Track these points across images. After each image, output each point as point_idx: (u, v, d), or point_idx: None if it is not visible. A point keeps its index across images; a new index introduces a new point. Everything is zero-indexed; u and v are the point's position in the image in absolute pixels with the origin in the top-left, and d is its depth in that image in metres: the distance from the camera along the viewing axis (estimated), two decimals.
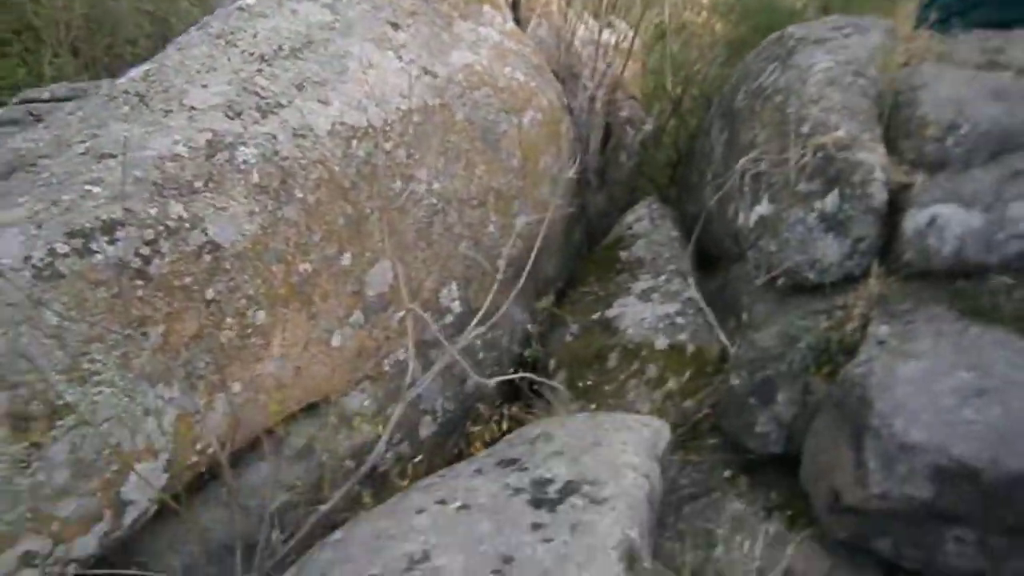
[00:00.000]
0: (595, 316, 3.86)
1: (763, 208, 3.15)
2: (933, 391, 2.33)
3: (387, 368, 3.25)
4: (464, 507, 2.35)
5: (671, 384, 3.41)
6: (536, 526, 2.26)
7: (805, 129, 3.10)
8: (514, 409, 3.48)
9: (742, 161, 3.20)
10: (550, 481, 2.46)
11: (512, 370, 3.56)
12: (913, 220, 2.78)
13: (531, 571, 2.08)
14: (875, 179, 2.85)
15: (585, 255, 4.57)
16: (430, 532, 2.23)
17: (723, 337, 3.31)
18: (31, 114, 4.11)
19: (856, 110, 3.11)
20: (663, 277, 3.97)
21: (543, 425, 2.92)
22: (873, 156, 2.90)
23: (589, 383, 3.56)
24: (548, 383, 3.34)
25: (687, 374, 3.41)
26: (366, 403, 3.17)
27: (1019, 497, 2.15)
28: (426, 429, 3.42)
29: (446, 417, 3.49)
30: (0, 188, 2.47)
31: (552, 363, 3.78)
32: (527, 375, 3.29)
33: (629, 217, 4.54)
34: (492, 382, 3.02)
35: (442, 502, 2.39)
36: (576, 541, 2.18)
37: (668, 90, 5.17)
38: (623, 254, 4.28)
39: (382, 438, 2.70)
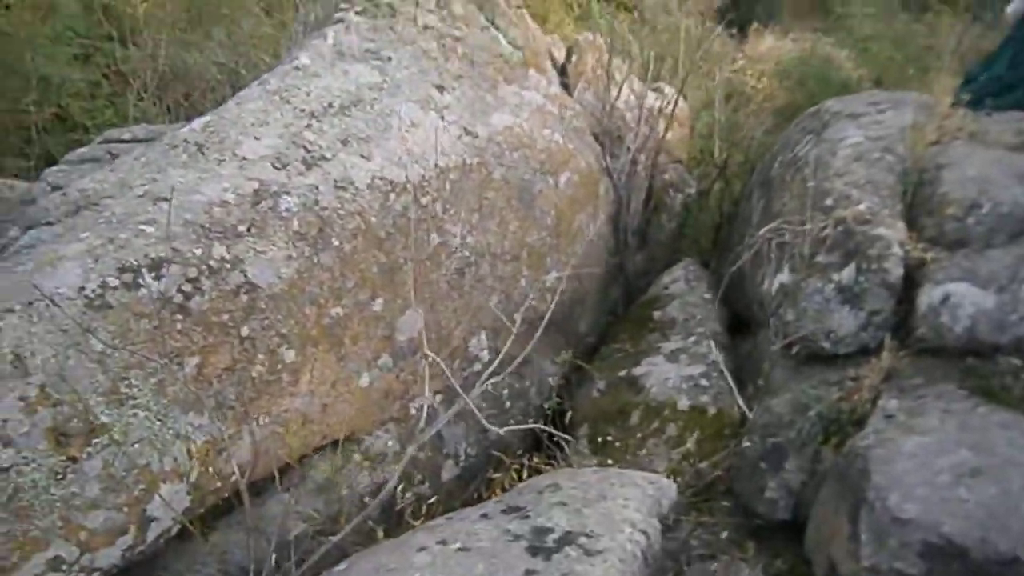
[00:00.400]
0: (622, 373, 3.95)
1: (784, 277, 3.22)
2: (932, 467, 2.35)
3: (413, 411, 3.39)
4: (463, 549, 2.45)
5: (689, 444, 3.46)
6: (529, 572, 2.34)
7: (829, 202, 3.18)
8: (535, 459, 3.56)
9: (763, 230, 3.29)
10: (550, 530, 2.54)
11: (532, 421, 3.66)
12: (928, 296, 2.82)
13: None
14: (892, 254, 2.90)
15: (621, 313, 4.67)
16: (427, 570, 2.33)
17: (740, 401, 3.35)
18: (110, 153, 4.45)
19: (880, 185, 3.18)
20: (692, 338, 4.04)
21: (554, 476, 3.01)
22: (892, 232, 2.95)
23: (609, 438, 3.63)
24: (561, 436, 3.43)
25: (706, 435, 3.46)
26: (390, 443, 3.30)
27: None
28: (448, 473, 3.53)
29: (468, 463, 3.59)
30: (67, 224, 2.73)
31: (577, 416, 3.87)
32: (543, 427, 3.38)
33: (666, 278, 4.63)
34: (503, 431, 3.11)
35: (443, 542, 2.49)
36: None
37: (714, 155, 5.28)
38: (657, 314, 4.36)
39: (394, 476, 2.81)
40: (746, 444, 3.04)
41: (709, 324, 4.14)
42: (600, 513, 2.63)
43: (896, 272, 2.90)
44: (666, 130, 4.60)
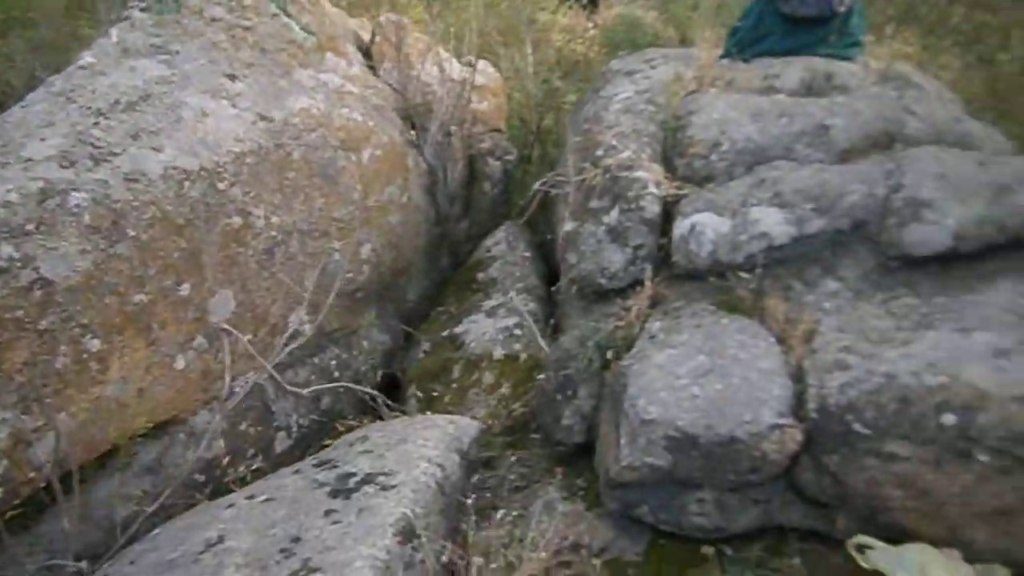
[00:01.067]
0: (445, 333, 4.20)
1: (568, 225, 3.52)
2: (675, 373, 2.69)
3: (237, 388, 3.53)
4: (269, 500, 2.65)
5: (504, 389, 3.74)
6: (329, 512, 2.56)
7: (599, 152, 3.49)
8: (366, 422, 3.78)
9: (537, 184, 3.59)
10: (353, 475, 2.77)
11: (353, 384, 3.86)
12: (679, 228, 3.16)
13: (315, 547, 2.38)
14: (648, 193, 3.24)
15: (449, 279, 4.91)
16: (231, 521, 2.52)
17: (543, 344, 3.65)
18: None
19: (643, 133, 3.52)
20: (511, 294, 4.32)
21: (366, 429, 3.24)
22: (649, 174, 3.29)
23: (435, 393, 3.87)
24: (368, 392, 3.66)
25: (519, 379, 3.74)
26: (216, 421, 3.44)
27: (732, 458, 2.50)
28: (281, 444, 3.69)
29: (301, 433, 3.76)
30: None
31: (406, 378, 4.10)
32: (351, 385, 3.60)
33: (489, 241, 4.89)
34: (306, 391, 3.32)
35: (251, 497, 2.69)
36: (359, 521, 2.49)
37: (529, 121, 5.58)
38: (480, 275, 4.63)
39: (204, 440, 2.97)
40: (543, 379, 3.33)
41: (527, 280, 4.44)
42: (400, 454, 2.87)
43: (653, 209, 3.23)
44: (468, 100, 4.84)
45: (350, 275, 3.90)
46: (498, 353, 3.90)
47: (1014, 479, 2.28)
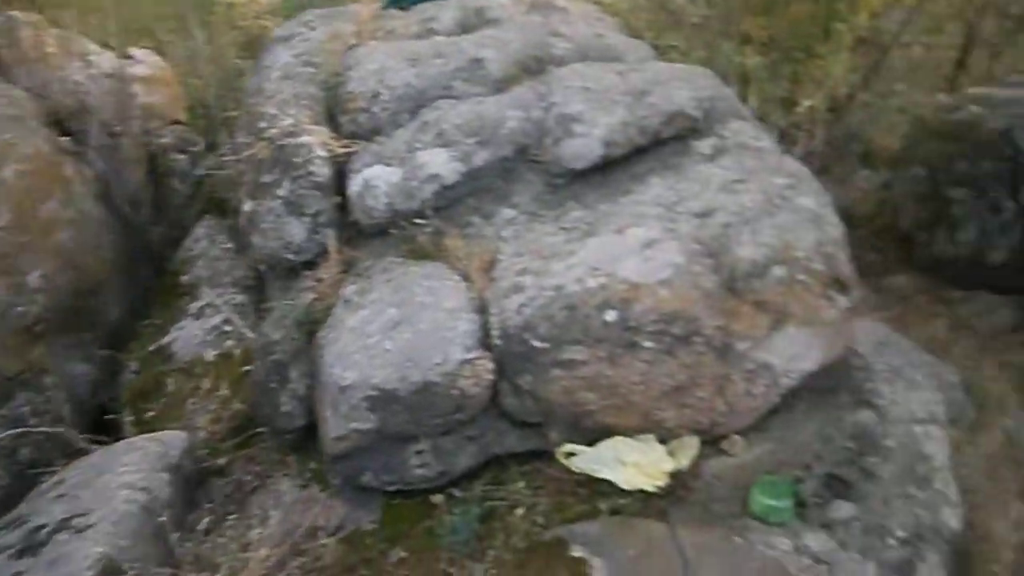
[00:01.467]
0: (152, 347, 3.89)
1: (247, 205, 3.33)
2: (366, 333, 2.64)
3: None
4: None
5: (223, 391, 3.53)
6: (17, 574, 2.28)
7: (263, 124, 3.33)
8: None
9: (199, 167, 3.38)
10: (43, 527, 2.49)
11: (64, 428, 3.48)
12: (353, 185, 3.09)
13: None
14: (315, 157, 3.14)
15: (154, 288, 4.54)
16: None
17: (250, 334, 3.47)
18: None
19: (303, 97, 3.39)
20: (218, 291, 4.07)
21: (63, 472, 2.92)
22: (313, 138, 3.18)
23: (150, 413, 3.58)
24: (56, 431, 3.32)
25: (235, 377, 3.54)
26: None
27: (433, 402, 2.51)
28: None
29: (3, 493, 3.34)
30: None
31: (118, 404, 3.76)
32: (27, 429, 3.26)
33: (189, 240, 4.57)
34: None
35: None
36: (52, 574, 2.23)
37: (212, 107, 5.25)
38: (184, 278, 4.32)
39: None
40: (253, 370, 3.16)
41: (233, 272, 4.20)
42: (96, 489, 2.62)
43: (323, 172, 3.13)
44: (132, 94, 4.46)
45: (19, 308, 3.49)
46: (210, 355, 3.68)
47: (679, 357, 2.45)
